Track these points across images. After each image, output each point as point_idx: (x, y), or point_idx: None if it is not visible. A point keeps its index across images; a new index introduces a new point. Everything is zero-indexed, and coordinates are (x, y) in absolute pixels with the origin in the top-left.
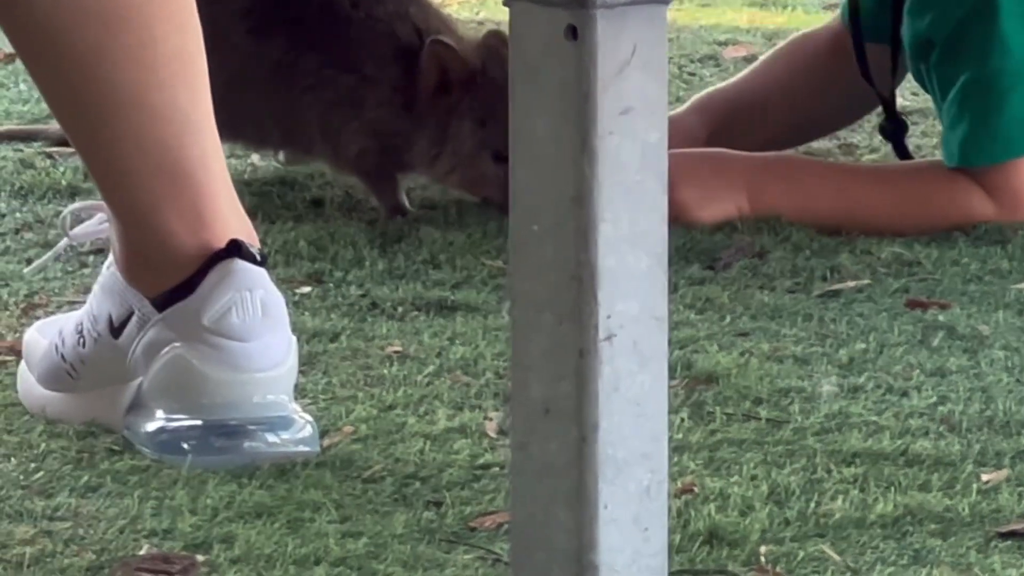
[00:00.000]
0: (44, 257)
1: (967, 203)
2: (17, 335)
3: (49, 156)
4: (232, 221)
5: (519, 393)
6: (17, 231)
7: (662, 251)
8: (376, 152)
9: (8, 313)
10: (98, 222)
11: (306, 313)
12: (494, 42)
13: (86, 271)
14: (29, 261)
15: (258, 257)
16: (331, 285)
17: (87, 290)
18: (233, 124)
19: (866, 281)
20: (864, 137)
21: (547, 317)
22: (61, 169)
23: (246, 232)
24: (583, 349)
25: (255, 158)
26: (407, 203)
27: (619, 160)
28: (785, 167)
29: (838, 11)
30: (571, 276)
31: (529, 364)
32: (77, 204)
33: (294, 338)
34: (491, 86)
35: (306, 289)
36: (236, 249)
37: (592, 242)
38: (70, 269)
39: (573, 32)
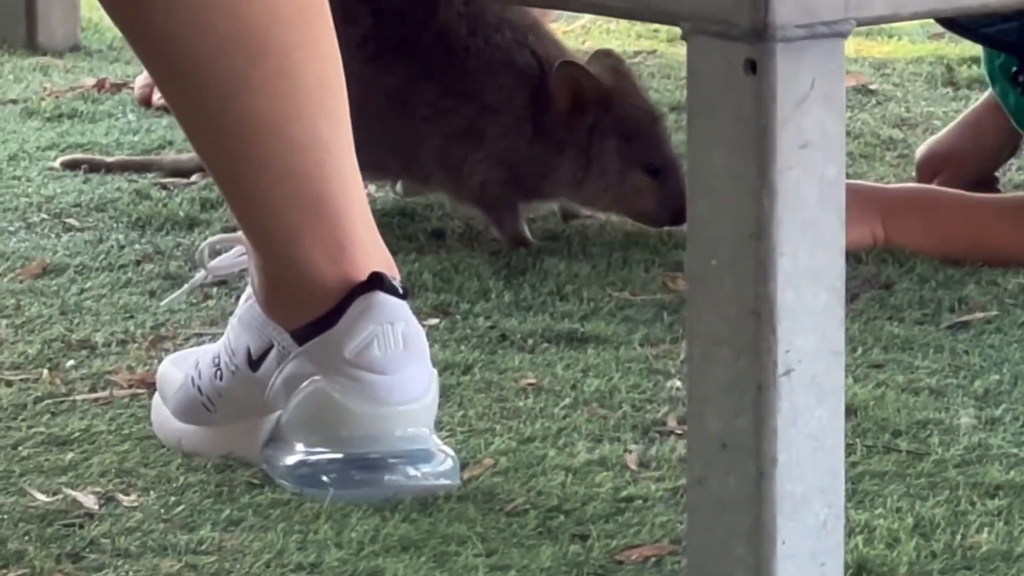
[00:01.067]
0: (181, 289)
1: None
2: (147, 367)
3: (164, 187)
4: (372, 252)
5: (696, 428)
6: (138, 263)
7: (840, 286)
8: (499, 182)
9: (136, 345)
10: (236, 254)
11: (435, 345)
12: (611, 60)
13: (211, 303)
14: (152, 293)
15: (399, 289)
16: (458, 317)
17: (213, 322)
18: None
19: (994, 312)
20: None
21: (724, 351)
22: (178, 200)
23: (386, 263)
24: (761, 384)
25: (372, 188)
26: (529, 234)
27: (798, 195)
28: (920, 197)
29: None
30: (749, 311)
31: (706, 398)
32: (214, 237)
33: (434, 371)
34: (626, 102)
35: (434, 321)
36: (378, 282)
37: (771, 277)
38: (195, 301)
39: (752, 66)
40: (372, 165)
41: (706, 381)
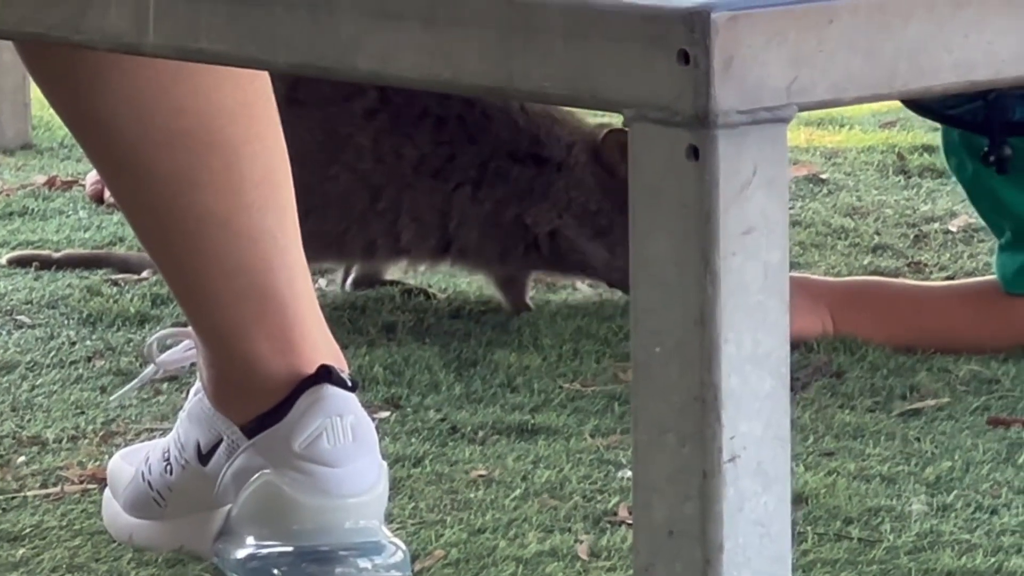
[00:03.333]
0: (130, 384)
1: None
2: (98, 463)
3: (115, 283)
4: (321, 345)
5: (642, 515)
6: (89, 359)
7: (784, 371)
8: (571, 227)
9: (87, 441)
10: (184, 348)
11: (386, 438)
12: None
13: (161, 398)
14: (103, 389)
15: (348, 382)
16: (409, 409)
17: (163, 417)
18: (360, 233)
19: (946, 399)
20: (932, 255)
21: (670, 439)
22: (128, 296)
23: (334, 356)
24: (707, 471)
25: (322, 283)
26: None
27: (742, 281)
28: (870, 289)
29: (894, 130)
30: (694, 397)
31: (652, 486)
32: (163, 331)
33: (384, 463)
34: None
35: (384, 414)
36: (326, 374)
37: (715, 363)
38: (145, 396)
39: (695, 152)
40: (385, 243)
41: (652, 468)
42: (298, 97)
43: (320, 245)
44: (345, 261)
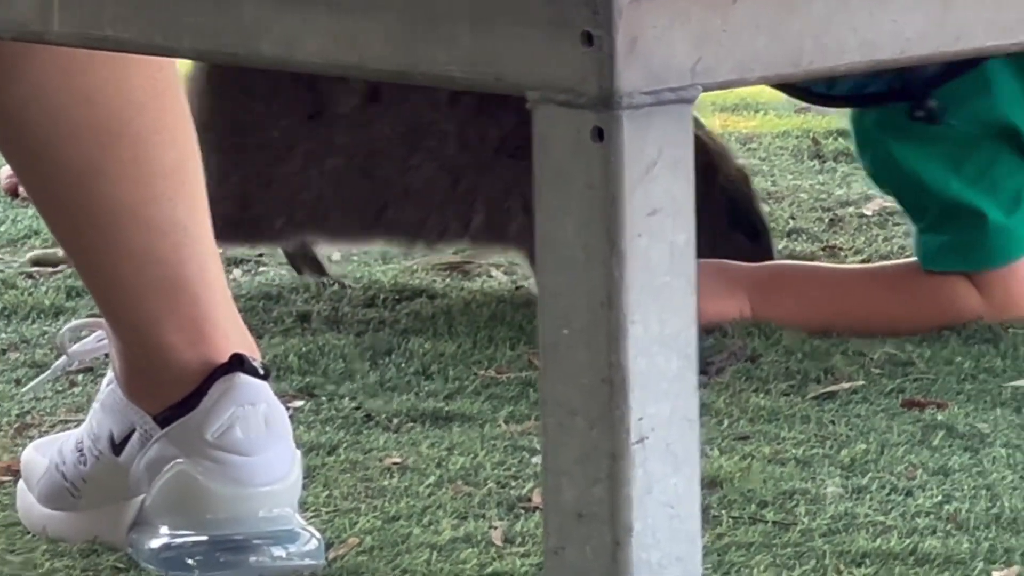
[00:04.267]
0: (42, 376)
1: (957, 303)
2: (12, 455)
3: (30, 276)
4: (233, 334)
5: (551, 498)
6: (3, 352)
7: (692, 352)
8: None
9: (1, 433)
10: (96, 339)
11: (301, 427)
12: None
13: (76, 390)
14: (18, 381)
15: (260, 371)
16: (324, 398)
17: (79, 409)
18: (437, 219)
19: (861, 382)
20: (848, 239)
21: (579, 421)
22: (43, 288)
23: (247, 345)
24: (615, 453)
25: (237, 273)
26: None
27: (648, 262)
28: (784, 272)
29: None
30: (602, 379)
31: (561, 469)
32: (75, 322)
33: (297, 451)
34: (726, 164)
35: (299, 403)
36: (238, 363)
37: (623, 345)
38: (60, 388)
39: (599, 134)
40: (436, 232)
41: (561, 451)
42: (379, 96)
43: (397, 234)
44: (414, 248)
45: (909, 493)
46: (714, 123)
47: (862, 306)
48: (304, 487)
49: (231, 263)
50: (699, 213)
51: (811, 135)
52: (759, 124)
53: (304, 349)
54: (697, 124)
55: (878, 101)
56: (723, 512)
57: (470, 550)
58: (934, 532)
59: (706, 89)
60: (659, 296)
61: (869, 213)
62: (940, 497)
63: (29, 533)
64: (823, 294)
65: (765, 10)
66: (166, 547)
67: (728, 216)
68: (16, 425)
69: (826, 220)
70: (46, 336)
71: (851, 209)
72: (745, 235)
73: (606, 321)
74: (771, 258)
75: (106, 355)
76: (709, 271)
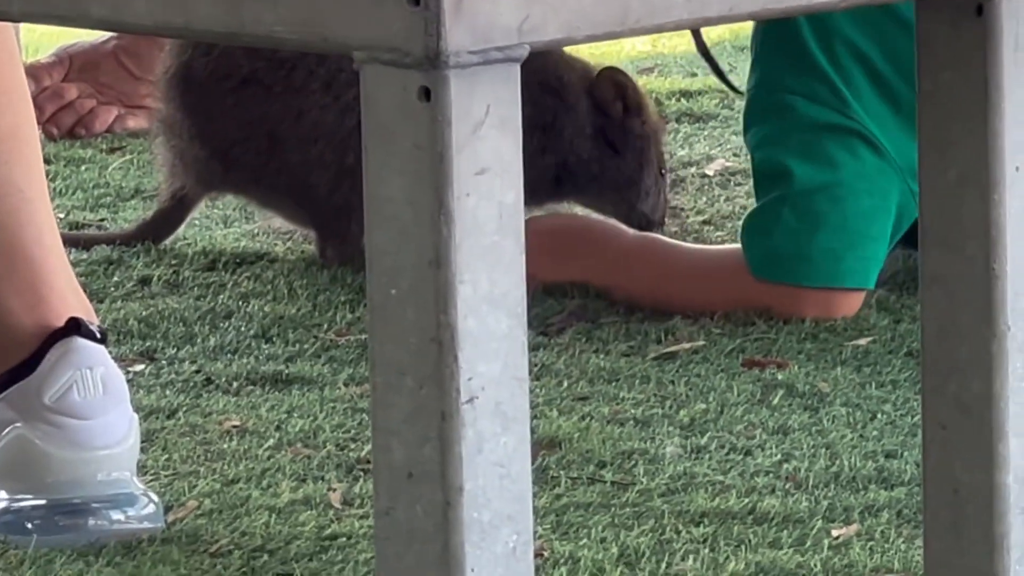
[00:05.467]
0: None
1: (774, 303)
2: None
3: None
4: (70, 298)
5: (381, 458)
6: None
7: (521, 311)
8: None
9: None
10: None
11: (140, 390)
12: (617, 73)
13: None
14: None
15: (97, 334)
16: (164, 362)
17: None
18: None
19: (701, 342)
20: (689, 199)
21: (408, 381)
22: None
23: (84, 309)
24: (445, 412)
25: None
26: None
27: (476, 221)
28: (631, 247)
29: (652, 76)
30: (431, 339)
31: (391, 428)
32: None
33: (135, 414)
34: (650, 105)
35: (139, 367)
36: (75, 327)
37: (451, 304)
38: None
39: (426, 93)
40: None
41: (390, 411)
42: None
43: None
44: None
45: (748, 452)
46: None
47: (679, 296)
48: (143, 451)
49: (71, 227)
50: (641, 154)
51: (654, 96)
52: None
53: (144, 313)
54: (621, 71)
55: None
56: (561, 472)
57: (309, 512)
58: (773, 491)
59: (534, 48)
60: (488, 255)
61: (711, 173)
62: (779, 456)
63: None
64: (648, 273)
65: None
66: (4, 511)
67: (659, 159)
68: None
69: (668, 181)
70: None
71: (693, 170)
72: (660, 176)
73: (434, 280)
74: (667, 199)
75: None
76: (545, 229)
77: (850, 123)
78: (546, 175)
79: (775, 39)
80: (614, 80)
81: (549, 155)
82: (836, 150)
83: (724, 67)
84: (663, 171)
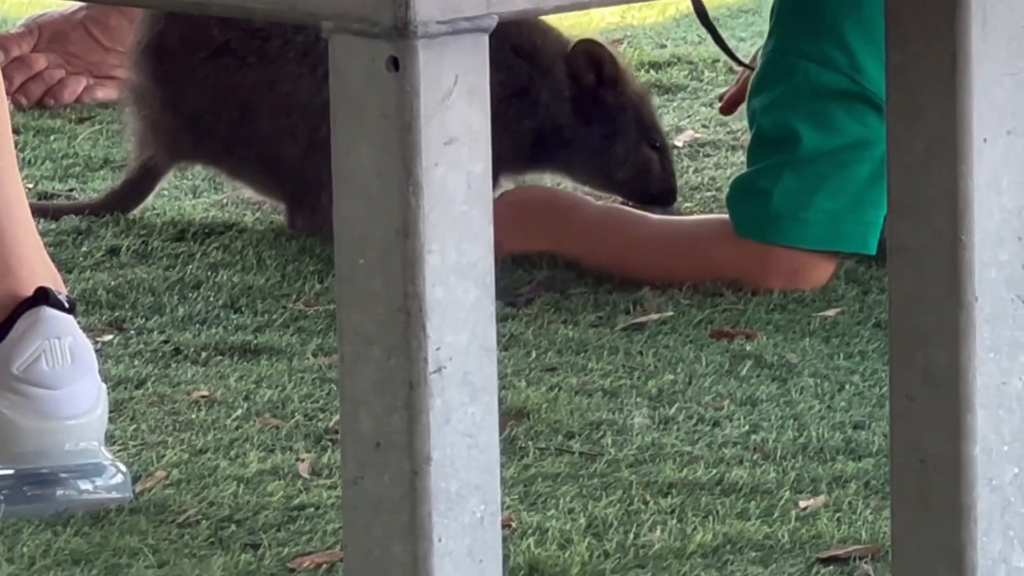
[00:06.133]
0: None
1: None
2: None
3: None
4: (38, 268)
5: (349, 427)
6: None
7: (489, 281)
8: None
9: None
10: None
11: (109, 361)
12: (597, 45)
13: None
14: None
15: (66, 304)
16: (132, 332)
17: None
18: None
19: (670, 313)
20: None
21: (376, 350)
22: None
23: (52, 279)
24: (413, 382)
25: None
26: None
27: (445, 191)
28: (597, 218)
29: (621, 47)
30: (399, 308)
31: (359, 398)
32: None
33: (103, 385)
34: (632, 80)
35: (108, 337)
36: (44, 297)
37: (420, 274)
38: None
39: (395, 63)
40: None
41: (358, 380)
42: None
43: None
44: None
45: (716, 423)
46: None
47: (653, 264)
48: (111, 421)
49: (40, 197)
50: (612, 125)
51: None
52: None
53: (113, 283)
54: (598, 43)
55: None
56: (529, 443)
57: (277, 482)
58: (741, 462)
59: (502, 18)
60: (456, 225)
61: (680, 144)
62: (747, 427)
63: None
64: (623, 251)
65: None
66: None
67: (636, 129)
68: None
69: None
70: None
71: None
72: (651, 148)
73: (402, 250)
74: (672, 172)
75: None
76: (512, 200)
77: (860, 89)
78: (523, 142)
79: (796, 3)
80: (588, 52)
81: (526, 121)
82: (843, 117)
83: (697, 37)
84: (655, 143)
